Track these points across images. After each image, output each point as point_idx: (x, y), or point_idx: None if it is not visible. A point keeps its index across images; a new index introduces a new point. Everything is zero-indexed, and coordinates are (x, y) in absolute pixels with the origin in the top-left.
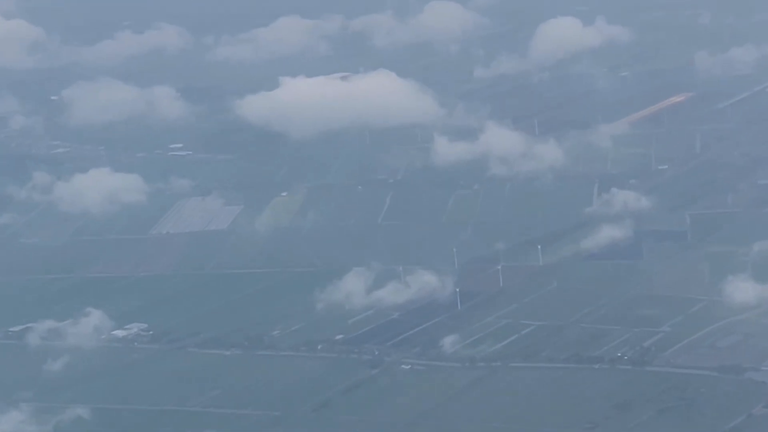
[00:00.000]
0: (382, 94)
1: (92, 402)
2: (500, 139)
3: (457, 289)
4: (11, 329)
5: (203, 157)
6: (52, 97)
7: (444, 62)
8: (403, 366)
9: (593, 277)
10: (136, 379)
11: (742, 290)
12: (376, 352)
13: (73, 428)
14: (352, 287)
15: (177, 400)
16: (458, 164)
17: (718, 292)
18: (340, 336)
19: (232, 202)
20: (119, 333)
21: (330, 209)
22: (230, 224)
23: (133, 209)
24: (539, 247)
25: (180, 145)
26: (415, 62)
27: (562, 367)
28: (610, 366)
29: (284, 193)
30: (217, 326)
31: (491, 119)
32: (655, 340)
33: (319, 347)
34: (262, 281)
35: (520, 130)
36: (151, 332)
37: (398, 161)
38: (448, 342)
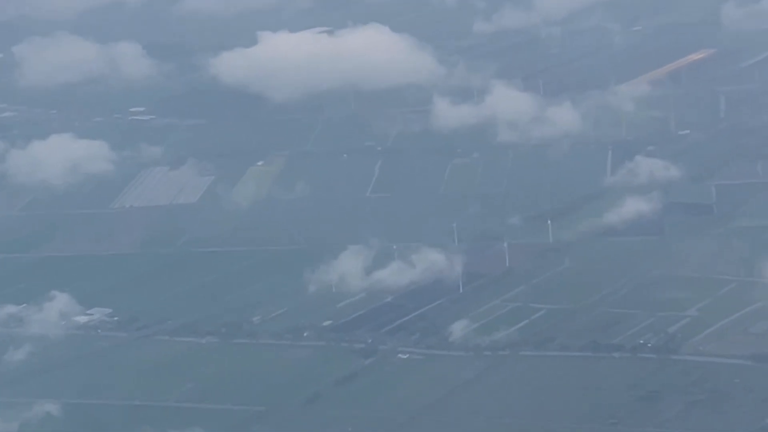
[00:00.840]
0: (372, 50)
1: (55, 397)
2: (502, 102)
3: (459, 270)
4: None
5: (170, 122)
6: None
7: (441, 15)
8: (399, 355)
9: (610, 256)
10: (101, 371)
11: None
12: (370, 340)
13: (36, 426)
14: (340, 268)
15: (148, 395)
16: (456, 129)
17: (750, 271)
18: (329, 322)
19: (202, 173)
20: (81, 319)
21: (312, 180)
22: (201, 197)
23: (91, 180)
24: (549, 222)
25: (142, 109)
26: (409, 15)
27: (578, 355)
28: (631, 354)
29: (261, 162)
30: (189, 311)
31: (492, 79)
32: (681, 325)
33: (305, 334)
34: (239, 261)
35: (525, 91)
36: (116, 318)
37: (388, 126)
38: (450, 328)
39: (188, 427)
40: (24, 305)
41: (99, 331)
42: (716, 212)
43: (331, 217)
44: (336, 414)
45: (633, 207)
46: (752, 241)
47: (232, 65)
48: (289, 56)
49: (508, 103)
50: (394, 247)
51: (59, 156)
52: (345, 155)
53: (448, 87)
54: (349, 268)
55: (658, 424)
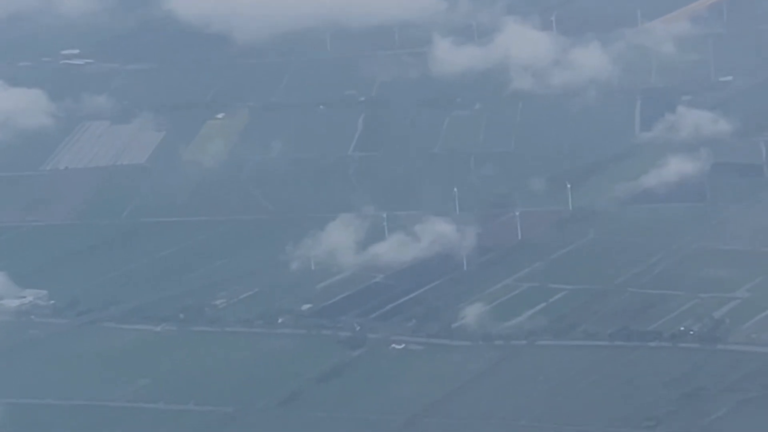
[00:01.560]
0: None
1: None
2: (511, 42)
3: (462, 244)
4: None
5: (110, 67)
6: None
7: None
8: (393, 345)
9: (642, 226)
10: (36, 365)
11: None
12: (357, 328)
13: None
14: (320, 241)
15: (92, 393)
16: (455, 76)
17: None
18: (308, 306)
19: (150, 128)
20: (11, 303)
21: (282, 136)
22: (150, 157)
23: (17, 137)
24: (568, 186)
25: (76, 51)
26: None
27: (607, 345)
28: (671, 344)
29: (220, 115)
30: (140, 294)
31: (494, 14)
32: (729, 309)
33: (279, 321)
34: (197, 233)
35: (538, 30)
36: (52, 302)
37: (372, 73)
38: (453, 313)
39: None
40: None
41: (33, 317)
42: (767, 174)
43: (306, 181)
44: (318, 416)
45: (668, 168)
46: None
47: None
48: None
49: (518, 44)
50: (384, 216)
51: None
52: (321, 107)
53: (447, 24)
54: (330, 241)
55: (704, 427)
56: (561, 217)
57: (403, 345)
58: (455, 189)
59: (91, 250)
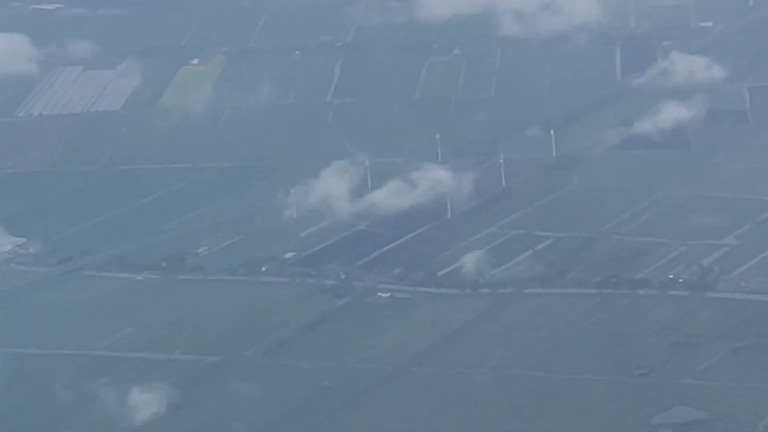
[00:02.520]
0: None
1: None
2: None
3: (445, 191)
4: None
5: (80, 12)
6: None
7: None
8: (379, 294)
9: (626, 173)
10: (18, 314)
11: None
12: (342, 276)
13: None
14: (301, 189)
15: (77, 342)
16: (430, 21)
17: None
18: (291, 254)
19: (125, 74)
20: None
21: (258, 82)
22: (125, 103)
23: None
24: (552, 132)
25: None
26: None
27: (596, 293)
28: (660, 292)
29: (195, 61)
30: (121, 242)
31: None
32: (718, 256)
33: (263, 269)
34: (175, 181)
35: None
36: (31, 249)
37: (348, 18)
38: (439, 261)
39: (130, 381)
40: None
41: (12, 265)
42: (752, 120)
43: (285, 129)
44: (305, 365)
45: (651, 114)
46: None
47: None
48: None
49: None
50: (366, 163)
51: None
52: (297, 52)
53: None
54: (311, 189)
55: (697, 375)
56: (545, 165)
57: (389, 293)
58: (437, 136)
59: (69, 197)
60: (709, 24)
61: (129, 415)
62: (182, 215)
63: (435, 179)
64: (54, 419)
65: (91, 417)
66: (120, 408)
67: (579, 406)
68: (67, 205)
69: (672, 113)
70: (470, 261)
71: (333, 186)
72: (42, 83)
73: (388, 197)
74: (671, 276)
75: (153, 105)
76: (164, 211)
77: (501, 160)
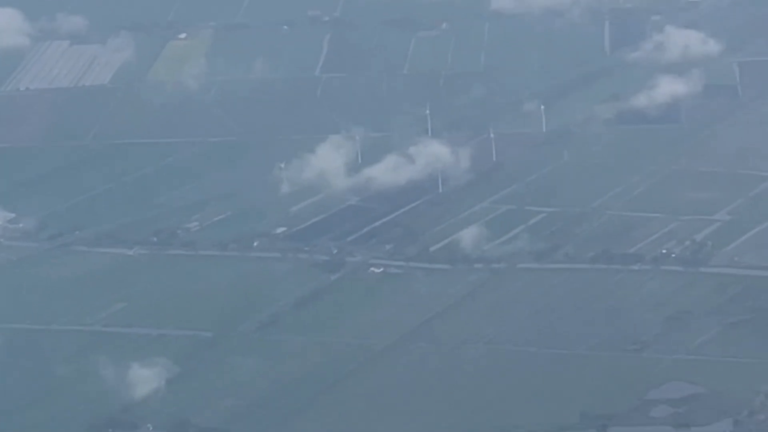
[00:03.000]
0: None
1: None
2: None
3: (437, 166)
4: None
5: None
6: None
7: None
8: (372, 269)
9: (617, 148)
10: (8, 289)
11: None
12: (334, 251)
13: None
14: (291, 163)
15: (70, 317)
16: None
17: None
18: (282, 229)
19: (112, 48)
20: None
21: (246, 57)
22: (113, 77)
23: None
24: (541, 107)
25: None
26: None
27: (589, 268)
28: (653, 267)
29: (183, 35)
30: (111, 217)
31: None
32: (711, 231)
33: (254, 244)
34: (166, 155)
35: None
36: (21, 225)
37: None
38: (431, 236)
39: (122, 356)
40: None
41: (2, 240)
42: (742, 95)
43: (274, 103)
44: (299, 341)
45: (641, 89)
46: None
47: None
48: None
49: None
50: (356, 138)
51: None
52: (285, 27)
53: None
54: (301, 164)
55: (691, 350)
56: (535, 139)
57: (381, 269)
58: (427, 111)
59: (58, 172)
60: None
61: (121, 390)
62: (172, 190)
63: (426, 154)
64: (46, 394)
65: (84, 392)
66: (112, 383)
67: (573, 381)
68: (57, 180)
69: (662, 88)
70: (463, 236)
71: (323, 161)
72: (29, 57)
73: (379, 172)
74: (664, 251)
75: (141, 79)
76: (154, 186)
77: (491, 135)
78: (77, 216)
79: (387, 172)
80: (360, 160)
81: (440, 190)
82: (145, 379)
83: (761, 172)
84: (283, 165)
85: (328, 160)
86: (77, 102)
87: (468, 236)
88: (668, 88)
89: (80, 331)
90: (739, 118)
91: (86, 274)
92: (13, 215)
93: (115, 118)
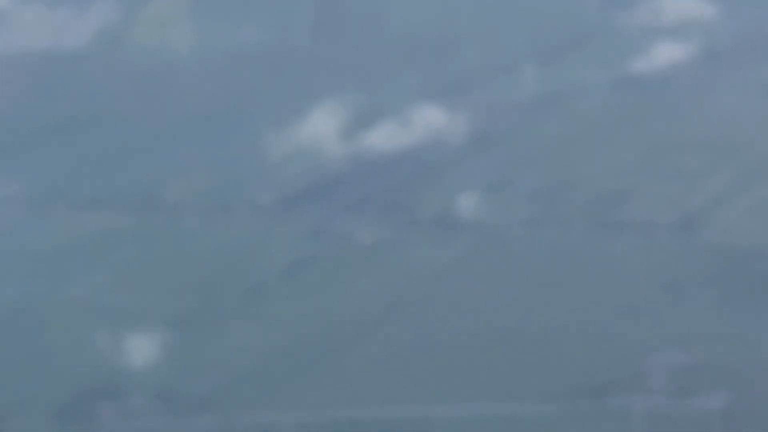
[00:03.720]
0: None
1: None
2: None
3: (422, 131)
4: None
5: None
6: None
7: None
8: (359, 237)
9: (608, 114)
10: None
11: None
12: (320, 219)
13: None
14: (275, 129)
15: (47, 287)
16: None
17: None
18: (266, 196)
19: (87, 8)
20: None
21: (230, 20)
22: (91, 39)
23: None
24: (526, 70)
25: None
26: None
27: (580, 236)
28: (645, 233)
29: None
30: (88, 184)
31: None
32: (703, 198)
33: (237, 212)
34: (145, 119)
35: None
36: None
37: None
38: (421, 202)
39: (105, 325)
40: None
41: None
42: (736, 60)
43: (259, 69)
44: (287, 310)
45: (634, 54)
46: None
47: None
48: None
49: None
50: (344, 104)
51: None
52: None
53: None
54: (287, 130)
55: (685, 318)
56: (521, 104)
57: (367, 237)
58: (409, 74)
59: (35, 139)
60: None
61: (106, 360)
62: (153, 157)
63: (415, 120)
64: (27, 365)
65: (67, 362)
66: (96, 353)
67: (567, 350)
68: (34, 147)
69: (655, 52)
70: (452, 203)
71: (310, 128)
72: (4, 20)
73: (368, 138)
74: (656, 219)
75: (119, 43)
76: (133, 152)
77: (479, 100)
78: (56, 183)
79: (376, 138)
80: (348, 126)
81: (429, 157)
82: (130, 348)
83: (754, 139)
84: (269, 132)
85: (316, 127)
86: (52, 67)
87: (456, 203)
88: (661, 52)
89: (61, 299)
90: (733, 83)
91: (65, 243)
92: None
93: (92, 84)
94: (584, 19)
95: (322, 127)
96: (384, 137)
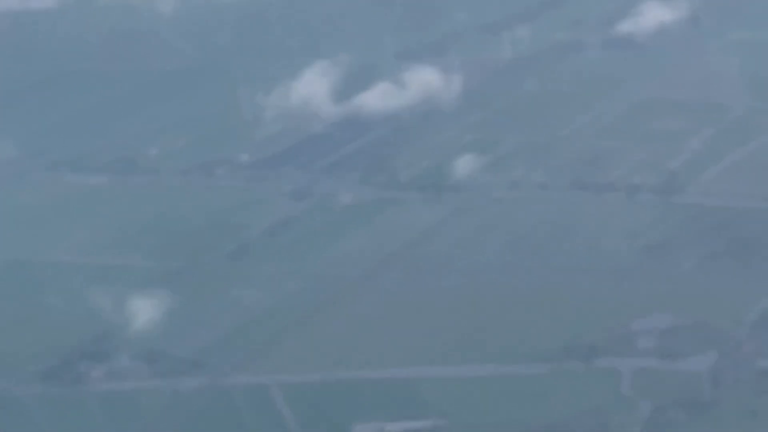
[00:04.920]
0: None
1: None
2: None
3: (400, 92)
4: None
5: None
6: None
7: None
8: (341, 198)
9: (582, 75)
10: None
11: None
12: (301, 179)
13: None
14: (252, 89)
15: (32, 248)
16: None
17: (756, 95)
18: (246, 156)
19: None
20: None
21: None
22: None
23: None
24: (504, 32)
25: None
26: None
27: (561, 197)
28: (626, 195)
29: None
30: (68, 145)
31: None
32: (683, 160)
33: (217, 171)
34: (120, 81)
35: None
36: None
37: None
38: (400, 164)
39: (88, 287)
40: None
41: None
42: (704, 22)
43: (233, 27)
44: (271, 270)
45: (610, 16)
46: (755, 56)
47: None
48: None
49: None
50: (317, 63)
51: None
52: None
53: None
54: (262, 89)
55: (670, 279)
56: (498, 64)
57: (350, 197)
58: (385, 34)
59: (9, 100)
60: None
61: (91, 321)
62: (130, 117)
63: (387, 80)
64: (10, 327)
65: (51, 324)
66: (80, 314)
67: (553, 312)
68: (7, 108)
69: (632, 15)
70: (431, 165)
71: (284, 88)
72: None
73: (343, 99)
74: (637, 180)
75: (90, 2)
76: (109, 113)
77: (455, 61)
78: (33, 144)
79: (351, 99)
80: (322, 86)
81: (405, 118)
82: (114, 310)
83: (729, 101)
84: (245, 91)
85: (292, 86)
86: (24, 27)
87: (437, 164)
88: (638, 15)
89: (44, 262)
90: (704, 44)
91: (44, 203)
92: None
93: (64, 43)
94: None
95: (294, 86)
96: (358, 98)
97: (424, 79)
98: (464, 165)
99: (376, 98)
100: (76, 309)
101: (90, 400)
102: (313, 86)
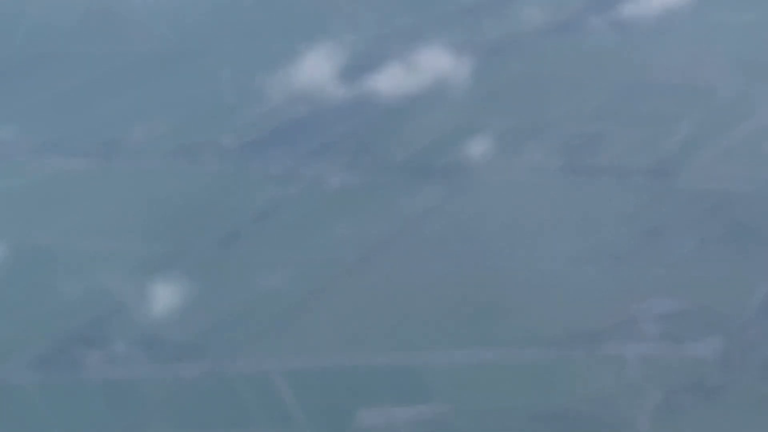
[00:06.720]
0: None
1: None
2: None
3: (385, 76)
4: None
5: None
6: None
7: None
8: (330, 182)
9: (568, 57)
10: None
11: None
12: (289, 163)
13: None
14: (235, 73)
15: (20, 233)
16: None
17: (747, 78)
18: (232, 139)
19: None
20: None
21: None
22: None
23: None
24: (482, 15)
25: None
26: None
27: (555, 180)
28: (620, 179)
29: None
30: (49, 127)
31: None
32: (676, 143)
33: (203, 155)
34: (99, 65)
35: None
36: None
37: None
38: (390, 147)
39: (78, 272)
40: None
41: None
42: (696, 5)
43: (210, 10)
44: (262, 256)
45: None
46: (746, 38)
47: None
48: None
49: None
50: (298, 45)
51: None
52: None
53: None
54: (246, 73)
55: (670, 264)
56: (479, 47)
57: (340, 181)
58: (363, 17)
59: None
60: None
61: (84, 306)
62: (110, 100)
63: (368, 63)
64: (7, 311)
65: (43, 309)
66: (73, 299)
67: (553, 297)
68: None
69: None
70: (421, 148)
71: (268, 70)
72: None
73: (328, 82)
74: (631, 162)
75: None
76: (90, 96)
77: (437, 44)
78: (12, 127)
79: (335, 81)
80: (306, 69)
81: (390, 101)
82: (107, 295)
83: (720, 85)
84: (229, 74)
85: (274, 69)
86: (5, 8)
87: (427, 148)
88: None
89: (30, 246)
90: (693, 27)
91: (27, 187)
92: None
93: (43, 23)
94: None
95: (280, 68)
96: (346, 80)
97: (405, 62)
98: (454, 148)
99: (375, 81)
100: (68, 293)
101: (87, 386)
102: (297, 68)
